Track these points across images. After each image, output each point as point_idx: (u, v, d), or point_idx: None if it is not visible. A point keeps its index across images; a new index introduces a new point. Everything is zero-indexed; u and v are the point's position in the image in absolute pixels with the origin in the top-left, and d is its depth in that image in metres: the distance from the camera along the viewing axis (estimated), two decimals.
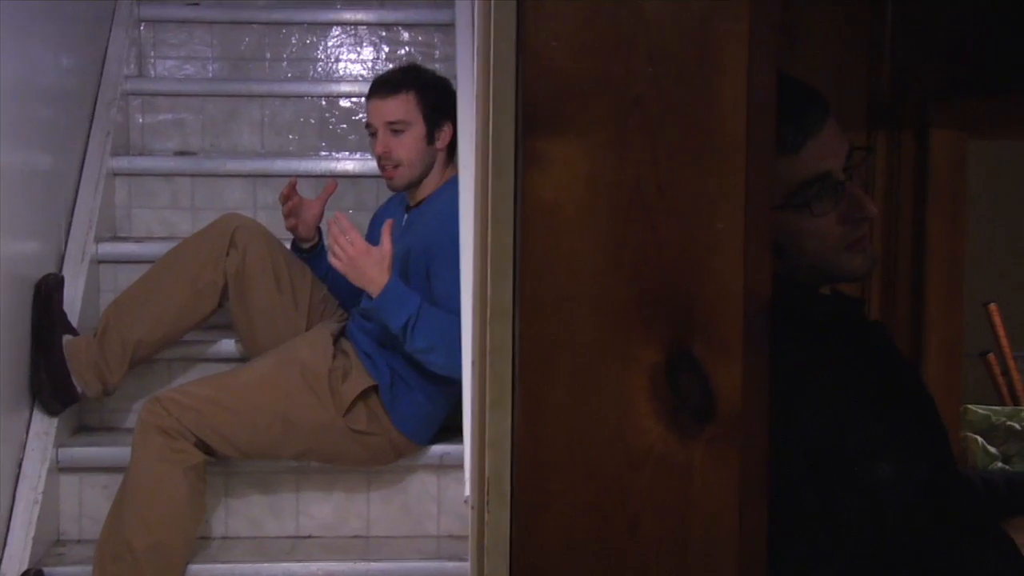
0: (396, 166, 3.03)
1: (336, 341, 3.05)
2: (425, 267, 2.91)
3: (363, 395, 2.93)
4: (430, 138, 3.04)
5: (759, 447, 1.11)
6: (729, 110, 1.08)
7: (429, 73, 3.16)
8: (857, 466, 1.49)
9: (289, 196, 3.20)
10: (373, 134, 3.07)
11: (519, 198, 1.08)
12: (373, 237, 3.22)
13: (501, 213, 1.10)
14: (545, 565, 1.10)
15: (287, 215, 3.23)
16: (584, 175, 1.07)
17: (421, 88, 3.05)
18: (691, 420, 1.09)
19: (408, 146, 3.02)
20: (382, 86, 3.08)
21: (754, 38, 1.08)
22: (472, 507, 1.27)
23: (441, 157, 3.08)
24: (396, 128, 3.02)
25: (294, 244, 3.30)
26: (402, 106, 3.02)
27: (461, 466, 2.71)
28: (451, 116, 3.02)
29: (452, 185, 2.93)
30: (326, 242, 3.01)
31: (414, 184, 3.07)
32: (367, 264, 2.79)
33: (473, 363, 1.28)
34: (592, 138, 1.07)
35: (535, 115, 1.07)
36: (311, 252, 3.29)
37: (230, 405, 2.84)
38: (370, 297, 2.85)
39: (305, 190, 3.70)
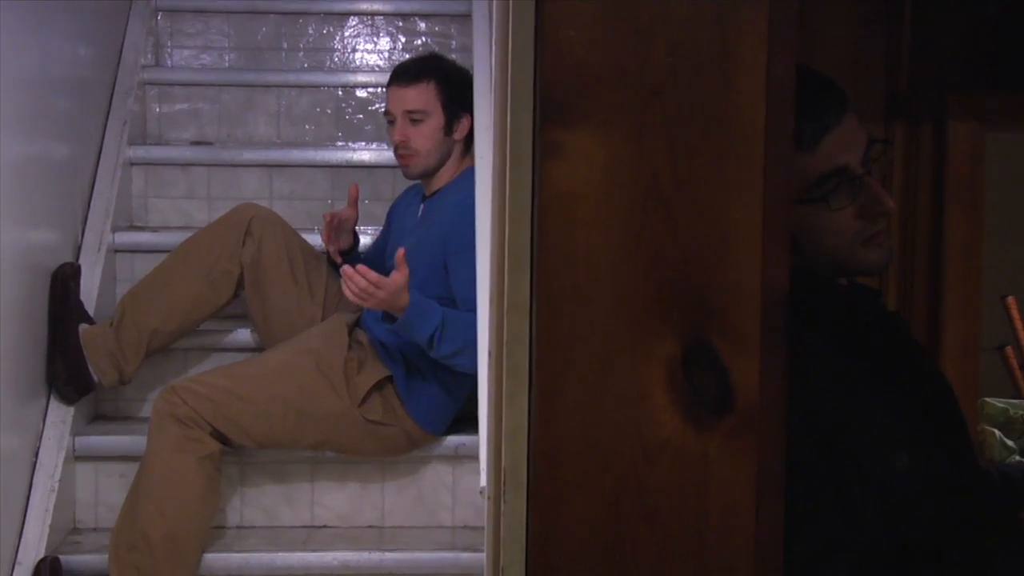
0: (413, 155, 3.03)
1: (351, 331, 3.05)
2: (442, 258, 2.90)
3: (378, 385, 2.94)
4: (448, 129, 3.03)
5: (776, 439, 1.11)
6: (747, 102, 1.07)
7: (450, 63, 3.15)
8: (873, 457, 1.48)
9: (331, 223, 3.18)
10: (391, 121, 3.07)
11: (536, 189, 1.08)
12: (391, 227, 3.22)
13: (518, 205, 1.10)
14: (561, 556, 1.10)
15: (329, 242, 3.20)
16: (601, 166, 1.07)
17: (442, 78, 3.04)
18: (708, 413, 1.09)
19: (426, 136, 3.01)
20: (403, 74, 3.07)
21: (773, 30, 1.07)
22: (488, 498, 1.28)
23: (459, 148, 3.07)
24: (415, 117, 3.01)
25: (328, 258, 3.28)
26: (422, 95, 3.01)
27: (476, 457, 2.72)
28: (470, 107, 3.01)
29: (468, 175, 2.92)
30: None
31: (429, 173, 3.07)
32: (390, 294, 2.75)
33: (490, 355, 1.28)
34: (610, 129, 1.07)
35: (553, 106, 1.07)
36: (349, 253, 3.26)
37: (246, 395, 2.85)
38: (388, 316, 2.83)
39: (320, 180, 3.72)
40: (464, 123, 3.03)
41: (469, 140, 3.04)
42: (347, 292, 2.76)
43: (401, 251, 2.81)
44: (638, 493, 1.09)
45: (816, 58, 2.06)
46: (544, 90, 1.07)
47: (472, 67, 3.17)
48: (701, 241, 1.08)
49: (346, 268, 2.75)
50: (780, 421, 1.11)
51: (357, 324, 3.10)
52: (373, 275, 2.73)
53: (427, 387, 2.97)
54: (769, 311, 1.09)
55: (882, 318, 1.71)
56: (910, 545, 1.46)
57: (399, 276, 2.75)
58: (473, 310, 2.70)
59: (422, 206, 3.12)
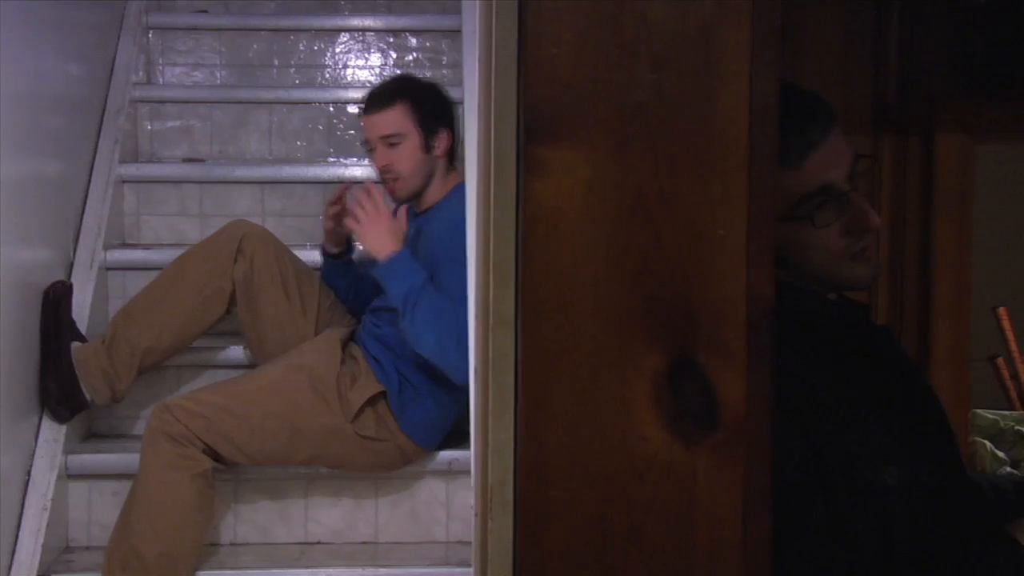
0: (397, 179, 3.02)
1: (345, 346, 3.05)
2: (429, 274, 2.90)
3: (371, 401, 2.93)
4: (427, 147, 3.02)
5: (763, 454, 1.11)
6: (731, 116, 1.08)
7: (419, 81, 3.15)
8: (863, 471, 1.49)
9: (338, 201, 3.18)
10: (371, 150, 3.07)
11: (521, 206, 1.08)
12: None
13: (503, 221, 1.10)
14: (549, 572, 1.10)
15: (331, 218, 3.19)
16: (586, 182, 1.07)
17: (412, 97, 3.04)
18: (694, 427, 1.09)
19: (406, 157, 3.01)
20: (373, 101, 3.06)
21: (756, 45, 1.07)
22: (476, 514, 1.27)
23: (441, 164, 3.07)
24: (392, 141, 3.00)
25: (323, 250, 3.28)
26: (395, 118, 3.01)
27: (470, 472, 2.71)
28: (446, 122, 3.02)
29: (459, 192, 2.92)
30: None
31: (417, 194, 3.06)
32: (385, 227, 2.84)
33: (476, 371, 1.28)
34: (594, 145, 1.07)
35: (536, 122, 1.07)
36: (339, 257, 3.27)
37: (239, 412, 2.84)
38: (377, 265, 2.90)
39: (312, 196, 3.72)
40: (442, 138, 3.03)
41: (452, 155, 3.05)
42: (350, 205, 2.93)
43: (404, 207, 3.01)
44: (625, 508, 1.09)
45: (803, 70, 2.07)
46: (528, 106, 1.07)
47: (462, 83, 3.17)
48: (686, 256, 1.08)
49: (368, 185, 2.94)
50: (766, 435, 1.11)
51: (351, 339, 3.10)
52: (382, 199, 2.91)
53: (420, 402, 2.96)
54: (754, 325, 1.09)
55: (871, 332, 1.71)
56: (900, 558, 1.46)
57: (399, 221, 2.92)
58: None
59: (414, 224, 3.12)
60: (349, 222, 2.92)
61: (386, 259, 2.85)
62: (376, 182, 3.28)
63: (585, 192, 1.07)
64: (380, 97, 3.07)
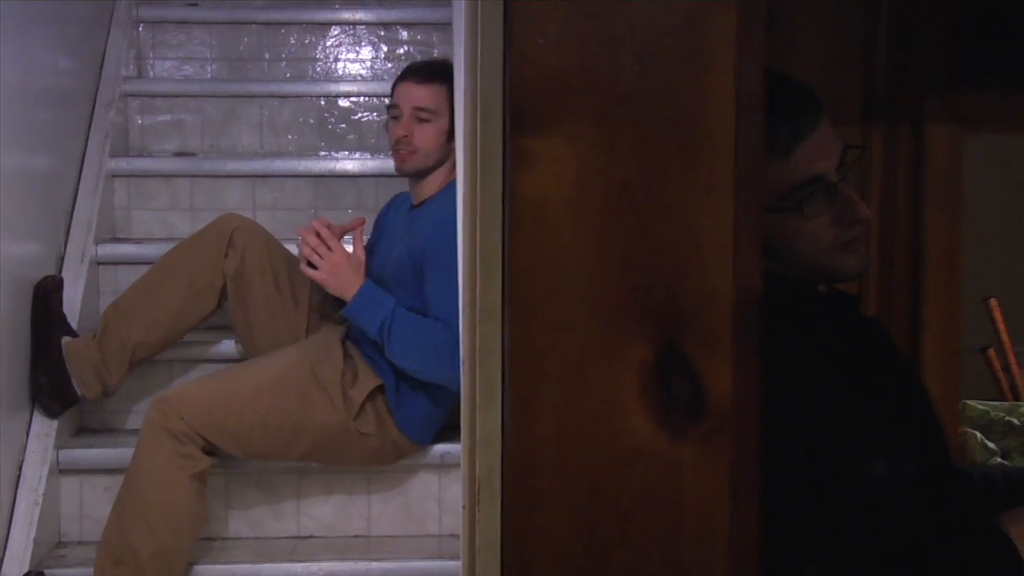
0: (413, 152, 3.00)
1: (343, 344, 3.05)
2: (420, 269, 2.90)
3: (370, 397, 2.92)
4: (451, 135, 3.01)
5: (750, 444, 1.11)
6: (717, 106, 1.07)
7: None
8: (852, 462, 1.49)
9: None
10: (396, 117, 3.05)
11: (507, 197, 1.08)
12: (380, 235, 3.21)
13: (489, 212, 1.10)
14: (536, 563, 1.10)
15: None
16: (572, 173, 1.07)
17: (455, 85, 3.03)
18: (681, 417, 1.09)
19: (429, 136, 2.99)
20: (418, 71, 3.07)
21: (741, 34, 1.07)
22: (464, 506, 1.27)
23: (453, 158, 3.06)
24: (422, 116, 2.99)
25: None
26: (434, 95, 2.99)
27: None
28: None
29: (453, 187, 2.92)
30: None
31: (423, 174, 3.03)
32: (344, 266, 2.85)
33: (464, 362, 1.28)
34: (580, 136, 1.07)
35: (522, 113, 1.07)
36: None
37: (241, 407, 2.83)
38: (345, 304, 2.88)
39: (303, 190, 3.72)
40: None
41: None
42: (302, 263, 2.89)
43: (359, 230, 2.92)
44: (612, 499, 1.09)
45: (792, 61, 2.07)
46: (514, 97, 1.07)
47: None
48: (672, 246, 1.08)
49: (312, 223, 2.88)
50: (753, 425, 1.11)
51: (347, 336, 3.09)
52: (325, 231, 2.85)
53: (416, 398, 2.95)
54: (741, 316, 1.09)
55: (860, 324, 1.71)
56: (888, 549, 1.46)
57: (355, 255, 2.88)
58: (441, 316, 2.77)
59: (408, 216, 3.11)
60: (305, 270, 2.91)
61: (353, 298, 2.87)
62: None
63: (571, 182, 1.07)
64: (426, 70, 3.07)
